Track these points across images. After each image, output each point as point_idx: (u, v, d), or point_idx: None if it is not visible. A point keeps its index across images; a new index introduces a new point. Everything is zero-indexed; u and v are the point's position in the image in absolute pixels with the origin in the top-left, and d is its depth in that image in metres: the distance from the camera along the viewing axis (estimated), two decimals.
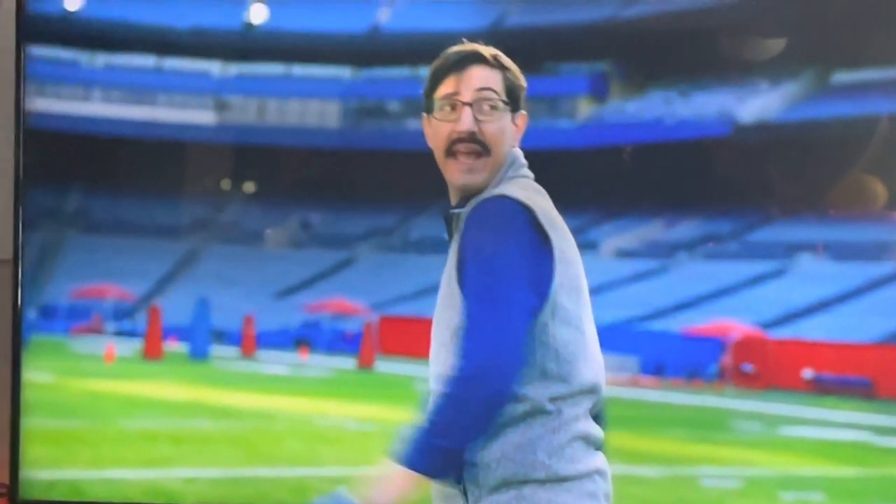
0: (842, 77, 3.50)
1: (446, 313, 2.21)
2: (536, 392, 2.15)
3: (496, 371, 2.09)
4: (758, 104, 3.49)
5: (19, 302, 3.61)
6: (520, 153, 2.27)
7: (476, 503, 2.19)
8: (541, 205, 2.17)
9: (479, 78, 2.26)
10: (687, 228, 3.60)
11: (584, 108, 3.60)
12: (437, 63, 2.28)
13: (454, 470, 2.16)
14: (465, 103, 2.23)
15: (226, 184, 3.78)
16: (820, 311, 3.57)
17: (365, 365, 3.95)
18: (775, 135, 3.52)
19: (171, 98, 3.75)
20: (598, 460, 2.22)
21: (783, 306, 3.58)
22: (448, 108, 2.24)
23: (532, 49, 3.39)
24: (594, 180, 3.48)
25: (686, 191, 3.53)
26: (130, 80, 3.76)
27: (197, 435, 3.89)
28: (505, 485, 2.16)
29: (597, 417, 2.24)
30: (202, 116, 3.74)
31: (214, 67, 3.74)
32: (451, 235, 2.26)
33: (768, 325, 3.58)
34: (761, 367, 3.64)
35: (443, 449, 2.09)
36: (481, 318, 2.11)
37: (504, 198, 2.17)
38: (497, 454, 2.15)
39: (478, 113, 2.23)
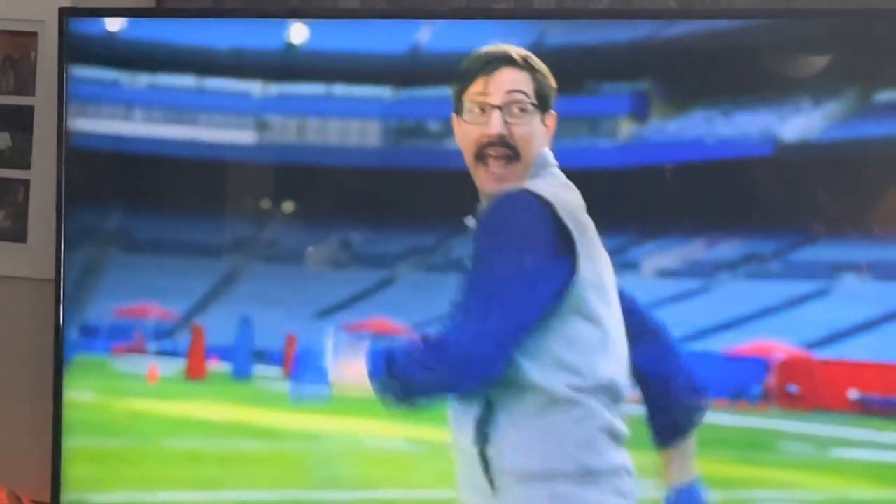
0: (886, 96, 3.47)
1: None
2: (551, 381, 2.14)
3: (469, 365, 2.11)
4: (800, 123, 3.47)
5: (61, 321, 3.63)
6: (550, 153, 2.27)
7: (504, 492, 2.19)
8: (565, 199, 2.17)
9: (509, 80, 2.26)
10: (729, 248, 3.57)
11: (625, 128, 3.58)
12: (466, 63, 2.29)
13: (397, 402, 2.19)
14: (494, 106, 2.23)
15: (266, 203, 3.78)
16: (865, 331, 3.54)
17: None
18: (818, 154, 3.49)
19: (212, 118, 3.76)
20: (624, 457, 2.21)
21: (827, 327, 3.54)
22: (477, 111, 2.25)
23: (573, 68, 3.38)
24: (635, 200, 3.47)
25: (728, 210, 3.50)
26: (172, 101, 3.78)
27: (245, 456, 3.88)
28: (533, 478, 2.16)
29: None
30: (243, 136, 3.75)
31: (255, 88, 3.75)
32: None
33: (812, 345, 3.55)
34: (806, 388, 3.61)
35: (392, 388, 2.13)
36: (476, 309, 2.13)
37: (524, 191, 2.17)
38: (522, 443, 2.16)
39: (507, 115, 2.23)
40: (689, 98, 3.54)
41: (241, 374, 3.88)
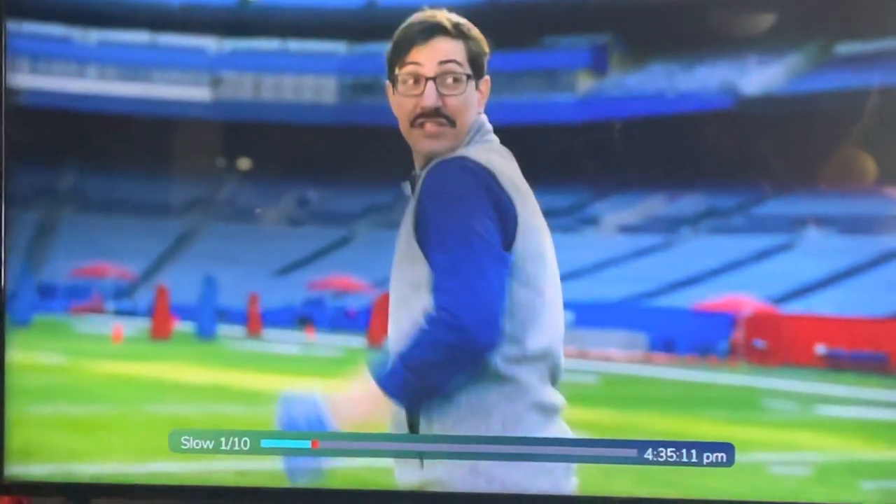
0: (847, 48, 3.43)
1: (408, 269, 2.18)
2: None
3: (476, 322, 2.08)
4: (761, 76, 3.43)
5: (3, 284, 3.59)
6: (485, 119, 2.24)
7: (426, 461, 2.18)
8: (503, 167, 2.14)
9: (442, 51, 2.23)
10: (690, 203, 3.54)
11: (584, 82, 3.54)
12: (399, 34, 2.25)
13: (420, 403, 2.16)
14: (428, 78, 2.19)
15: (221, 161, 3.74)
16: (830, 285, 3.52)
17: (374, 343, 3.91)
18: (779, 107, 3.46)
19: (166, 74, 3.71)
20: (556, 430, 2.19)
21: (792, 281, 3.52)
22: (411, 82, 2.22)
23: (530, 22, 3.34)
24: (594, 155, 3.43)
25: (688, 165, 3.47)
26: (123, 57, 3.73)
27: (228, 419, 3.84)
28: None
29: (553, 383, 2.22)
30: (197, 93, 3.70)
31: (209, 43, 3.70)
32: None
33: (777, 300, 3.53)
34: (774, 343, 3.60)
35: (413, 384, 2.10)
36: (465, 273, 2.10)
37: (464, 159, 2.14)
38: (449, 414, 2.14)
39: (441, 86, 2.20)
40: (648, 51, 3.51)
41: (206, 333, 3.86)
